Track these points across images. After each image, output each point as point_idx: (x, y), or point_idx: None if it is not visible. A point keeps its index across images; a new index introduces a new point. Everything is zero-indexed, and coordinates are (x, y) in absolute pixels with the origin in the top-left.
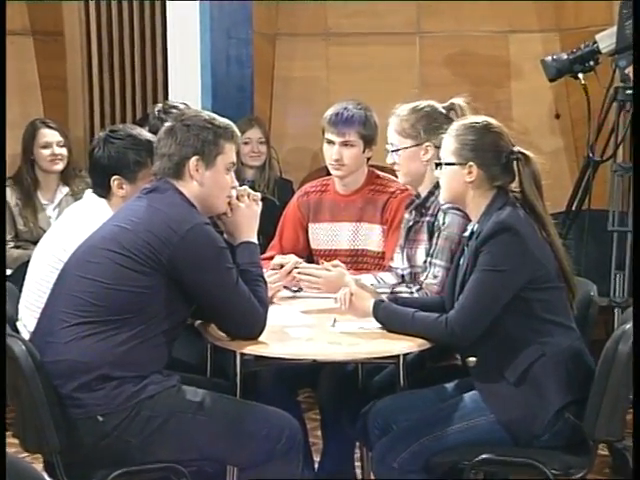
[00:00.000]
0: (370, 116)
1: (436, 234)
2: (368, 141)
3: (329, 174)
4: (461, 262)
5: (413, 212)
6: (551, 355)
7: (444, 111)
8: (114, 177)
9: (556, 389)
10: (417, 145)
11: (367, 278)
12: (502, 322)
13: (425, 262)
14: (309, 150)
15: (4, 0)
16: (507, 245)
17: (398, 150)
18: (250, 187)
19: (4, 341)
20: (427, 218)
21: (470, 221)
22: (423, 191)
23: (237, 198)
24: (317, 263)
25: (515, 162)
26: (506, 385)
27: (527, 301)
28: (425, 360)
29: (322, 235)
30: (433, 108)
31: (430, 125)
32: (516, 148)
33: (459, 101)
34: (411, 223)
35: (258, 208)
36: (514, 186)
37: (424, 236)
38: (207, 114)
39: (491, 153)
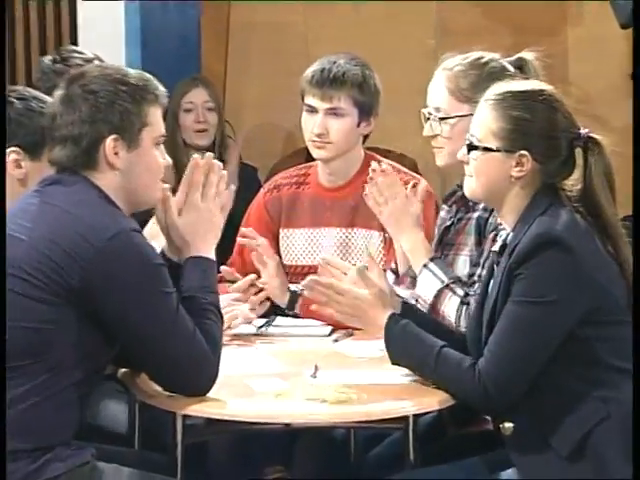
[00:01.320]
0: (369, 75)
1: (489, 236)
2: (365, 110)
3: (310, 159)
4: (489, 287)
5: (454, 207)
6: (618, 416)
7: (512, 69)
8: (11, 149)
9: (622, 461)
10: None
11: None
12: (550, 372)
13: (471, 275)
14: (280, 126)
15: (4, 0)
16: (555, 266)
17: (448, 118)
18: None
19: (4, 340)
20: (476, 214)
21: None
22: None
23: (192, 184)
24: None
25: (582, 151)
26: (556, 460)
27: (585, 342)
28: (445, 424)
29: (299, 246)
30: (500, 64)
31: (492, 84)
32: (584, 131)
33: (530, 56)
34: (449, 222)
35: (225, 204)
36: (571, 183)
37: (470, 239)
38: (116, 69)
39: (553, 140)
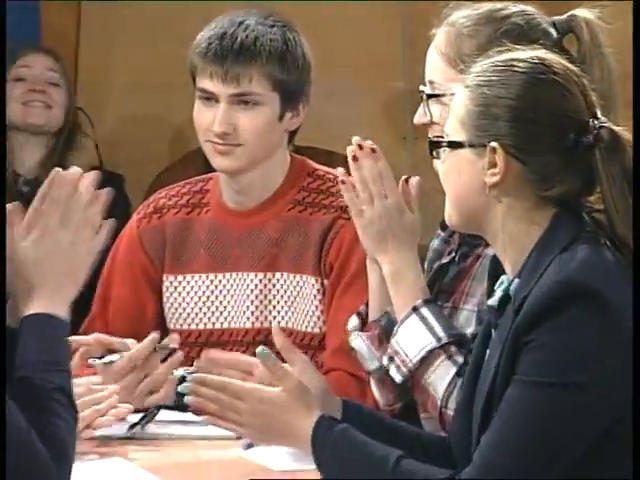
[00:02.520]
0: (294, 41)
1: None
2: (290, 95)
3: (209, 170)
4: (485, 358)
5: (455, 235)
6: None
7: (552, 30)
8: None
9: None
10: None
11: None
12: None
13: (474, 336)
14: (162, 120)
15: (4, 0)
16: (585, 330)
17: (446, 95)
18: (24, 195)
19: (4, 340)
20: (491, 250)
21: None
22: None
23: (50, 203)
24: (184, 361)
25: (595, 150)
26: None
27: (624, 440)
28: None
29: (192, 302)
30: (532, 20)
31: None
32: (595, 120)
33: (585, 14)
34: (447, 259)
35: (97, 240)
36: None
37: (478, 287)
38: None
39: (538, 127)
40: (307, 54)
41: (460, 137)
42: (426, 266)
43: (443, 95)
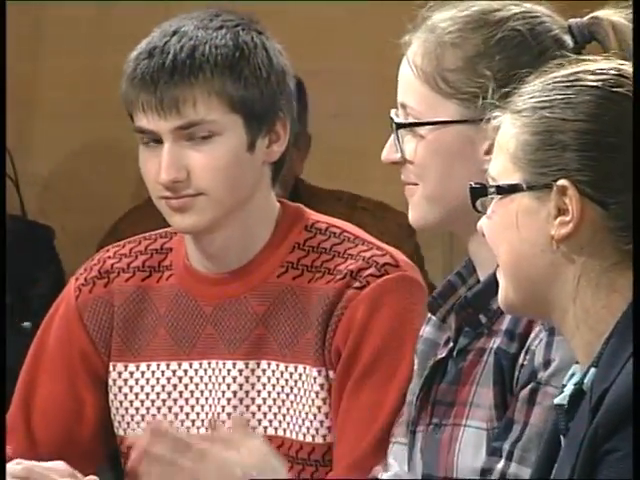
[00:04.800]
0: (253, 43)
1: (524, 391)
2: (257, 116)
3: None
4: (558, 464)
5: (451, 320)
6: None
7: (567, 37)
8: None
9: None
10: (478, 121)
11: None
12: None
13: (486, 472)
14: (116, 149)
15: (4, 0)
16: None
17: (421, 125)
18: None
19: (4, 340)
20: (497, 342)
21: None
22: (484, 262)
23: None
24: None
25: None
26: None
27: None
28: None
29: (148, 399)
30: (538, 25)
31: (518, 68)
32: None
33: (615, 16)
34: (444, 353)
35: None
36: None
37: (486, 394)
38: None
39: (626, 156)
40: (274, 58)
41: (514, 179)
42: (415, 366)
43: (418, 124)
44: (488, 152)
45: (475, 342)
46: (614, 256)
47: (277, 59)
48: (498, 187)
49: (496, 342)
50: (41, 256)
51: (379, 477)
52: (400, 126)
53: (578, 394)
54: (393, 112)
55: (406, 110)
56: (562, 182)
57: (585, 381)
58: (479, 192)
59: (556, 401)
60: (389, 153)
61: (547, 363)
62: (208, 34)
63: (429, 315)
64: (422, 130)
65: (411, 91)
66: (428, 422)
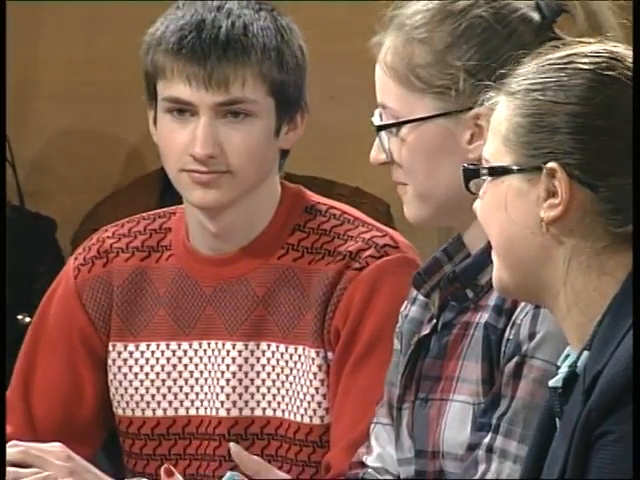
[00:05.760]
0: (290, 30)
1: (510, 364)
2: (288, 103)
3: (171, 198)
4: (553, 447)
5: (436, 297)
6: None
7: (534, 15)
8: None
9: None
10: (453, 113)
11: None
12: None
13: (473, 447)
14: (108, 134)
15: (4, 0)
16: None
17: (398, 125)
18: None
19: (4, 340)
20: (482, 317)
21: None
22: (473, 242)
23: None
24: (127, 471)
25: None
26: None
27: None
28: None
29: (148, 379)
30: (502, 8)
31: (489, 56)
32: None
33: None
34: (429, 330)
35: None
36: None
37: (472, 368)
38: None
39: (617, 139)
40: (304, 47)
41: (505, 161)
42: (402, 343)
43: (396, 124)
44: (470, 142)
45: (460, 316)
46: (604, 239)
47: (304, 48)
48: (490, 169)
49: (483, 317)
50: (43, 250)
51: (364, 460)
52: (380, 128)
53: (572, 377)
54: (375, 113)
55: (386, 110)
56: (551, 165)
57: (578, 364)
58: (472, 173)
59: (550, 383)
60: (377, 155)
61: (532, 335)
62: (253, 15)
63: (414, 294)
64: (403, 129)
65: (387, 91)
66: (414, 398)
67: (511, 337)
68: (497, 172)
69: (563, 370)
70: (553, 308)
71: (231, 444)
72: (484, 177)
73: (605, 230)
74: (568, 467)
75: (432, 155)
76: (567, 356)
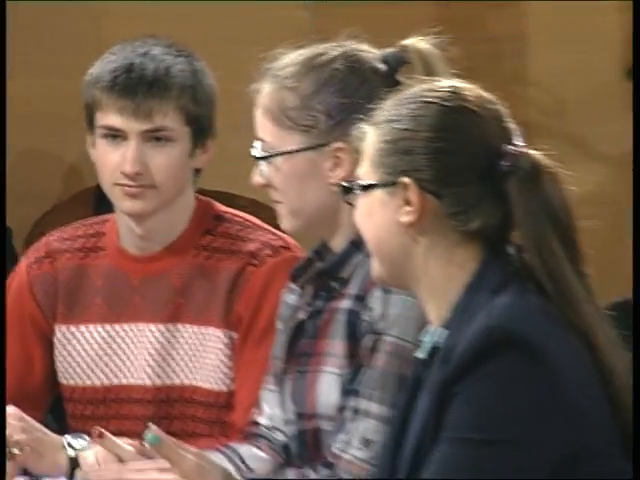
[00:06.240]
0: (201, 72)
1: (367, 341)
2: (201, 130)
3: (102, 208)
4: (419, 405)
5: (310, 289)
6: None
7: (382, 66)
8: None
9: None
10: (317, 147)
11: None
12: None
13: (341, 409)
14: (52, 155)
15: (4, 0)
16: (515, 382)
17: (273, 156)
18: None
19: (4, 341)
20: (345, 303)
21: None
22: (337, 245)
23: None
24: (70, 430)
25: (512, 177)
26: None
27: None
28: None
29: (86, 354)
30: (355, 61)
31: (346, 100)
32: (512, 147)
33: (422, 44)
34: (305, 315)
35: None
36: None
37: (337, 345)
38: None
39: (456, 157)
40: (214, 85)
41: (372, 178)
42: (281, 326)
43: (271, 156)
44: (332, 169)
45: (328, 304)
46: (454, 236)
47: (214, 86)
48: (360, 186)
49: (346, 304)
50: (3, 254)
51: (256, 420)
52: (259, 158)
53: (433, 350)
54: (255, 145)
55: (263, 144)
56: (406, 180)
57: (439, 339)
58: (347, 190)
59: (416, 355)
60: (257, 179)
61: (384, 317)
62: (173, 59)
63: (291, 284)
64: (277, 159)
65: (264, 129)
66: (294, 370)
67: (367, 319)
68: (366, 188)
69: (427, 344)
70: (418, 294)
71: (150, 424)
72: (356, 192)
73: (453, 229)
74: (430, 419)
75: (300, 180)
76: (428, 333)
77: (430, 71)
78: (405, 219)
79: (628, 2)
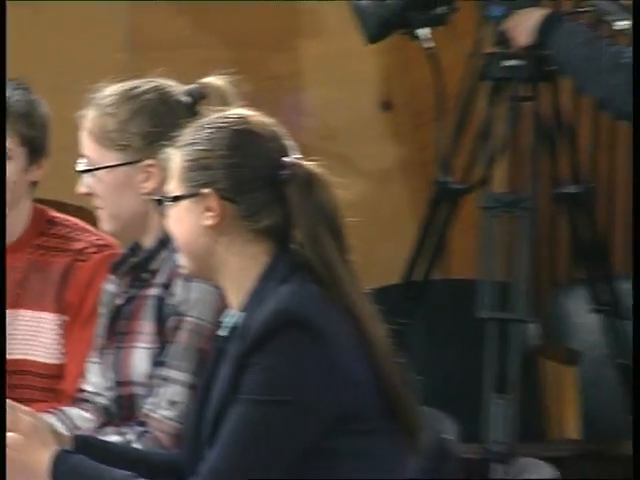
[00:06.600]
0: (36, 102)
1: (171, 321)
2: (35, 149)
3: None
4: (220, 374)
5: (125, 279)
6: None
7: (186, 99)
8: None
9: None
10: (131, 163)
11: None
12: None
13: (151, 377)
14: None
15: (4, 0)
16: (294, 355)
17: (95, 170)
18: None
19: (4, 341)
20: (154, 291)
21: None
22: (148, 243)
23: None
24: None
25: (291, 184)
26: None
27: (330, 457)
28: None
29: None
30: (164, 94)
31: (156, 125)
32: (289, 159)
33: (218, 81)
34: (121, 301)
35: None
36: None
37: (148, 325)
38: None
39: (246, 170)
40: (45, 113)
41: (179, 191)
42: (103, 309)
43: (94, 170)
44: (144, 182)
45: (140, 291)
46: (248, 235)
47: (47, 113)
48: (170, 198)
49: (155, 291)
50: None
51: (83, 387)
52: (83, 172)
53: (233, 329)
54: (81, 161)
55: (87, 159)
56: (206, 191)
57: (237, 320)
58: (160, 201)
59: (219, 333)
60: (82, 188)
61: (185, 301)
62: (10, 92)
63: (110, 276)
64: (98, 173)
65: (88, 147)
66: (114, 346)
67: (172, 303)
68: (175, 199)
69: (227, 323)
70: (220, 283)
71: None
72: (167, 203)
73: (248, 229)
74: (229, 385)
75: (118, 190)
76: (229, 315)
77: (225, 103)
78: (208, 223)
79: (387, 45)
